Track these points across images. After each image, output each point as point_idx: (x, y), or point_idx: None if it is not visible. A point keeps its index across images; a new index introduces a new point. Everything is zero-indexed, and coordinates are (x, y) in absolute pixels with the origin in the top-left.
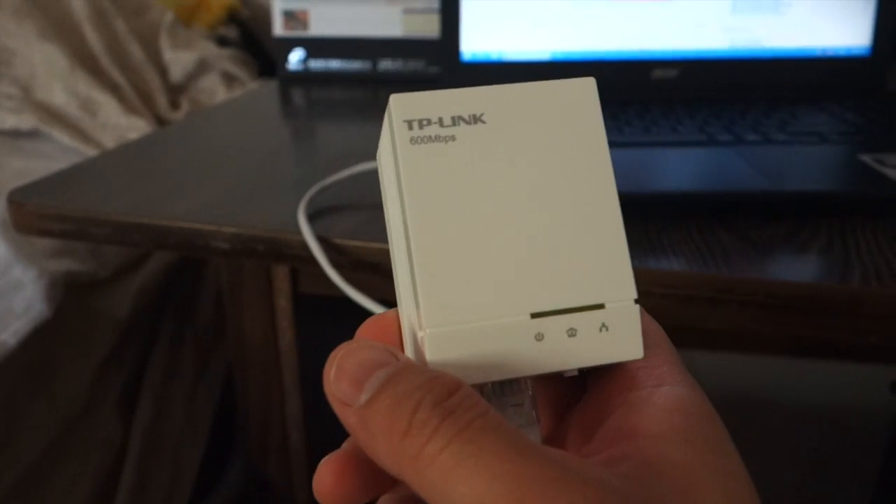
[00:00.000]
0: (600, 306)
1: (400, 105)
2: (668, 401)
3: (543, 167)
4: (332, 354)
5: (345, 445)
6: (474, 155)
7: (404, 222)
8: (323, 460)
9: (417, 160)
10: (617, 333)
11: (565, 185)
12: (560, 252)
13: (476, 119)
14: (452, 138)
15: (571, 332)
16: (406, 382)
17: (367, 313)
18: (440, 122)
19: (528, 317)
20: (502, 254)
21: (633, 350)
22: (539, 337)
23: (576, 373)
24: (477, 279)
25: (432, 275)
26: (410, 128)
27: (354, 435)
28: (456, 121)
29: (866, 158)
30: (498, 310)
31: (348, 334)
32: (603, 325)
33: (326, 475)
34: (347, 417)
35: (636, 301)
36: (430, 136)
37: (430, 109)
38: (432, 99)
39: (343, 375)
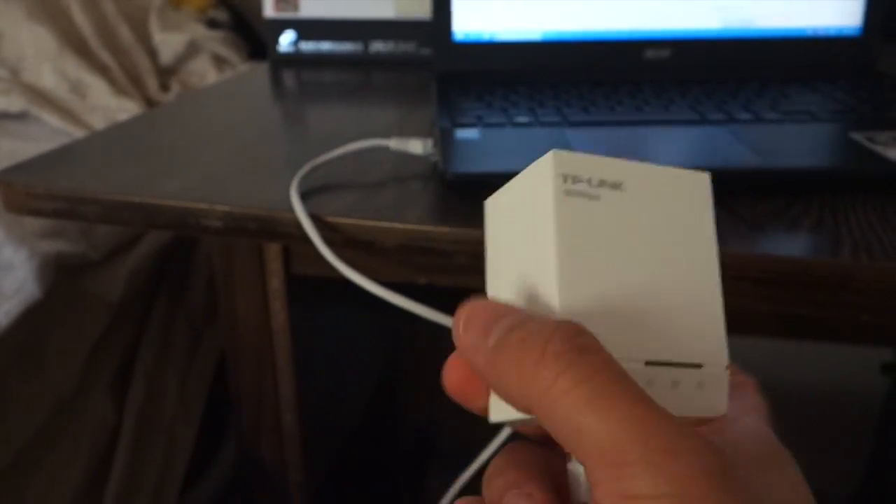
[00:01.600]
0: (699, 366)
1: (560, 161)
2: (744, 426)
3: (666, 238)
4: (459, 310)
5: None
6: (613, 215)
7: (547, 262)
8: (450, 357)
9: (568, 209)
10: (709, 392)
11: (680, 258)
12: (674, 313)
13: (617, 186)
14: (598, 197)
15: (675, 384)
16: (534, 323)
17: (360, 291)
18: (589, 182)
19: (643, 364)
20: (629, 302)
21: (720, 408)
22: (649, 384)
23: None
24: (605, 320)
25: (570, 305)
26: (565, 181)
27: (484, 377)
28: (602, 183)
29: (857, 136)
30: (621, 352)
31: (341, 315)
32: (700, 382)
33: (452, 372)
34: (478, 361)
35: (727, 367)
36: (580, 192)
37: (584, 169)
38: (588, 161)
39: (472, 324)
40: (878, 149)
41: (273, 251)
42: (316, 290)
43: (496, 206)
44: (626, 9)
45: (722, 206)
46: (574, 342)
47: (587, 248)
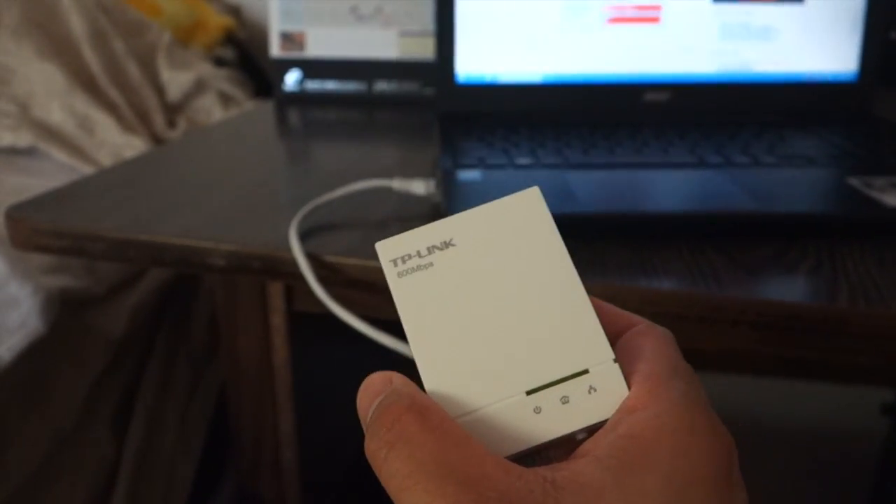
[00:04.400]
0: (585, 372)
1: (384, 249)
2: (626, 427)
3: (513, 270)
4: (363, 382)
5: None
6: (451, 273)
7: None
8: None
9: (406, 289)
10: (604, 391)
11: (533, 280)
12: (541, 335)
13: (447, 244)
14: (431, 264)
15: (565, 400)
16: (376, 410)
17: (356, 332)
18: (418, 254)
19: (524, 395)
20: (492, 348)
21: (617, 402)
22: (537, 410)
23: (585, 435)
24: (475, 373)
25: (438, 380)
26: (395, 265)
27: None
28: (431, 250)
29: (854, 181)
30: (497, 395)
31: (342, 352)
32: (591, 387)
33: None
34: (365, 436)
35: (615, 360)
36: (412, 268)
37: (408, 246)
38: (409, 238)
39: (361, 403)
40: (875, 194)
41: (275, 288)
42: (317, 327)
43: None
44: (625, 53)
45: (719, 250)
46: (395, 429)
47: (436, 319)
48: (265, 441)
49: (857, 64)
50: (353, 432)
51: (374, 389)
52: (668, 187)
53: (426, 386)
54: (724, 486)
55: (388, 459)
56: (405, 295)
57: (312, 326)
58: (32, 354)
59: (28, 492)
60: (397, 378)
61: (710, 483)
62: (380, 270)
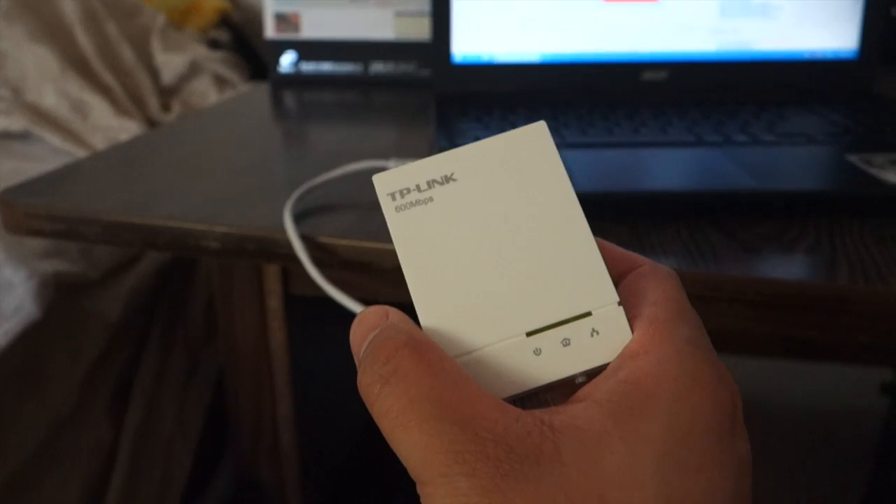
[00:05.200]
0: (588, 314)
1: (382, 182)
2: (627, 373)
3: (515, 207)
4: (357, 316)
5: None
6: (452, 209)
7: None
8: None
9: (404, 225)
10: (607, 334)
11: (537, 219)
12: (543, 275)
13: (448, 179)
14: (431, 199)
15: (566, 342)
16: (371, 345)
17: (353, 315)
18: (417, 188)
19: (524, 336)
20: (492, 287)
21: (620, 346)
22: (537, 352)
23: (584, 379)
24: (474, 313)
25: (435, 319)
26: (394, 199)
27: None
28: (431, 184)
29: (854, 159)
30: (496, 335)
31: (339, 335)
32: (593, 329)
33: None
34: (358, 369)
35: (619, 303)
36: (411, 202)
37: (407, 180)
38: (408, 171)
39: (354, 338)
40: (875, 171)
41: (272, 271)
42: (314, 310)
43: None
44: (623, 31)
45: (718, 229)
46: (391, 364)
47: (435, 256)
48: (263, 425)
49: (858, 41)
50: (352, 415)
51: (369, 323)
52: (667, 166)
53: (423, 323)
54: (726, 435)
55: (381, 395)
56: (403, 230)
57: (310, 310)
58: (28, 340)
59: (26, 477)
60: (394, 313)
61: (712, 431)
62: (375, 251)
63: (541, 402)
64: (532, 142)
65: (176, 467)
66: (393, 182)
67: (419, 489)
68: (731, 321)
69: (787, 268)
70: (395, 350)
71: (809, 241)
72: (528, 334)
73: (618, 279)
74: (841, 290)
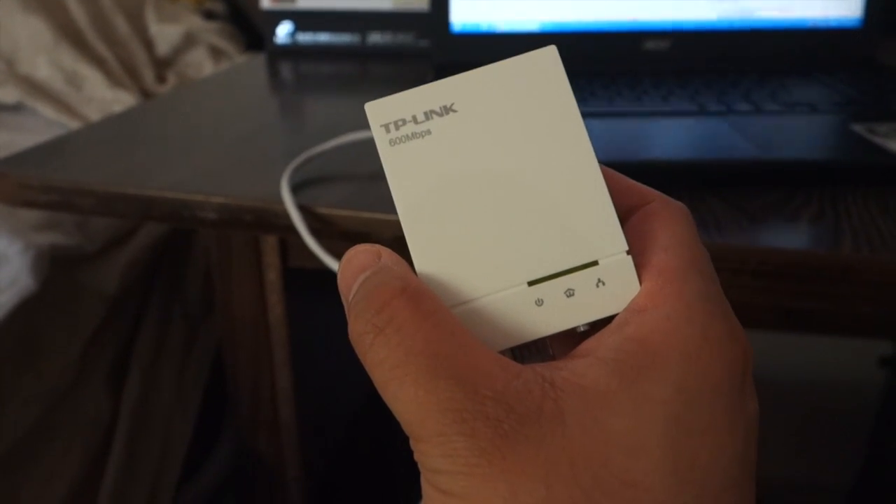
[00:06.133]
0: (594, 263)
1: (374, 111)
2: (634, 329)
3: (520, 143)
4: (346, 253)
5: None
6: (451, 144)
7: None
8: None
9: (399, 160)
10: (614, 285)
11: (544, 156)
12: (548, 220)
13: (447, 110)
14: (428, 132)
15: (570, 293)
16: (362, 289)
17: None
18: (414, 119)
19: (526, 285)
20: (493, 231)
21: (627, 297)
22: (539, 302)
23: (586, 327)
24: (473, 260)
25: (431, 264)
26: (388, 131)
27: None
28: (429, 115)
29: (858, 128)
30: (496, 284)
31: (338, 308)
32: (599, 280)
33: None
34: (347, 311)
35: (628, 252)
36: (407, 135)
37: (402, 110)
38: (403, 99)
39: (342, 278)
40: (879, 140)
41: (269, 244)
42: (313, 283)
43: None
44: (625, 0)
45: (722, 198)
46: (373, 323)
47: (432, 195)
48: (262, 398)
49: (862, 10)
50: (351, 388)
51: (360, 263)
52: (669, 136)
53: (418, 269)
54: (735, 395)
55: (374, 345)
56: (397, 166)
57: (308, 282)
58: (24, 313)
59: (24, 451)
60: (386, 254)
61: (721, 393)
62: (374, 221)
63: (539, 350)
64: (540, 69)
65: (175, 440)
66: (387, 111)
67: (413, 445)
68: (733, 293)
69: (790, 237)
70: (389, 298)
71: (813, 211)
72: (530, 283)
73: (625, 215)
74: (845, 259)
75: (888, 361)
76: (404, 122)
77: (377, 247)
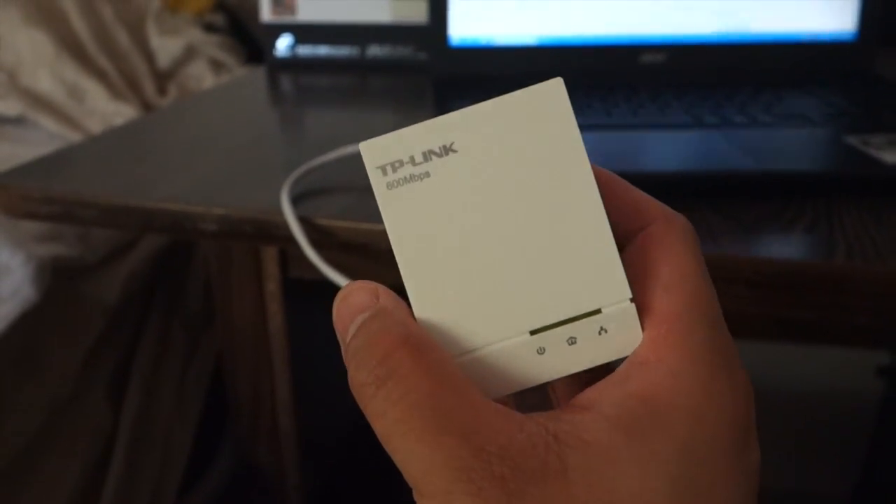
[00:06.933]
0: (597, 311)
1: (370, 152)
2: (637, 384)
3: (523, 186)
4: (338, 293)
5: None
6: (451, 187)
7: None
8: None
9: (397, 205)
10: (616, 333)
11: (547, 200)
12: (551, 266)
13: (447, 150)
14: (427, 175)
15: (571, 341)
16: (362, 334)
17: None
18: (412, 160)
19: (528, 335)
20: (495, 278)
21: (629, 346)
22: (541, 351)
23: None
24: (474, 308)
25: (431, 312)
26: (384, 173)
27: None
28: (427, 156)
29: (852, 140)
30: (498, 333)
31: None
32: (602, 328)
33: None
34: (343, 353)
35: (631, 300)
36: (405, 178)
37: (399, 150)
38: (400, 138)
39: (338, 316)
40: (873, 152)
41: (269, 254)
42: (313, 293)
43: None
44: (621, 13)
45: (717, 209)
46: (387, 364)
47: (431, 241)
48: (262, 408)
49: (857, 23)
50: (351, 398)
51: (357, 303)
52: (665, 147)
53: (418, 317)
54: (739, 450)
55: (376, 398)
56: (395, 211)
57: (308, 293)
58: (26, 324)
59: (25, 460)
60: (384, 294)
61: (726, 452)
62: (373, 232)
63: (538, 387)
64: (545, 104)
65: (175, 451)
66: (383, 152)
67: (416, 498)
68: (728, 303)
69: (785, 248)
70: (392, 348)
71: (807, 222)
72: (532, 332)
73: (625, 239)
74: (839, 270)
75: (886, 371)
76: (402, 163)
77: (374, 285)
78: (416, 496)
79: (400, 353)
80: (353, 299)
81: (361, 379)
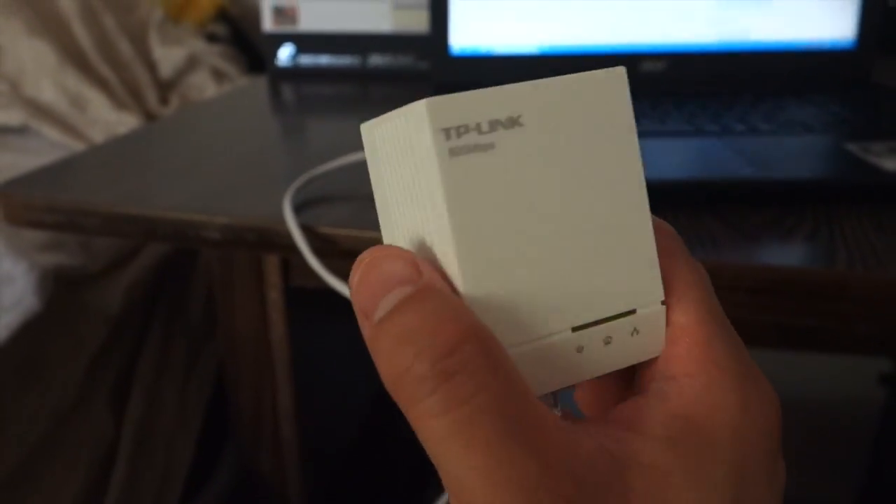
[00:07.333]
0: (632, 312)
1: (435, 111)
2: (675, 403)
3: (578, 174)
4: (360, 258)
5: None
6: (513, 164)
7: (443, 240)
8: None
9: (459, 174)
10: (645, 335)
11: (599, 191)
12: (595, 260)
13: (514, 122)
14: (492, 146)
15: (608, 340)
16: (415, 314)
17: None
18: (478, 128)
19: (570, 331)
20: (544, 268)
21: (656, 349)
22: (580, 349)
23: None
24: (525, 298)
25: (481, 297)
26: (448, 137)
27: (368, 346)
28: (494, 125)
29: (852, 147)
30: (544, 328)
31: (339, 327)
32: (634, 329)
33: None
34: (363, 328)
35: (663, 302)
36: (469, 146)
37: (467, 114)
38: (468, 101)
39: (365, 286)
40: (873, 159)
41: (272, 263)
42: (315, 302)
43: (376, 139)
44: (621, 22)
45: (718, 217)
46: (443, 366)
47: (489, 218)
48: (264, 417)
49: (856, 31)
50: (353, 406)
51: (393, 273)
52: (666, 156)
53: (464, 291)
54: (773, 462)
55: (436, 394)
56: (456, 180)
57: (310, 301)
58: (28, 332)
59: (27, 470)
60: (427, 268)
61: (765, 465)
62: (376, 241)
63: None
64: (606, 92)
65: (177, 459)
66: (450, 114)
67: None
68: (730, 309)
69: (785, 255)
70: (462, 337)
71: (808, 229)
72: (574, 329)
73: None
74: (839, 277)
75: (888, 379)
76: (467, 129)
77: (409, 253)
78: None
79: (471, 345)
80: (388, 267)
81: (419, 370)
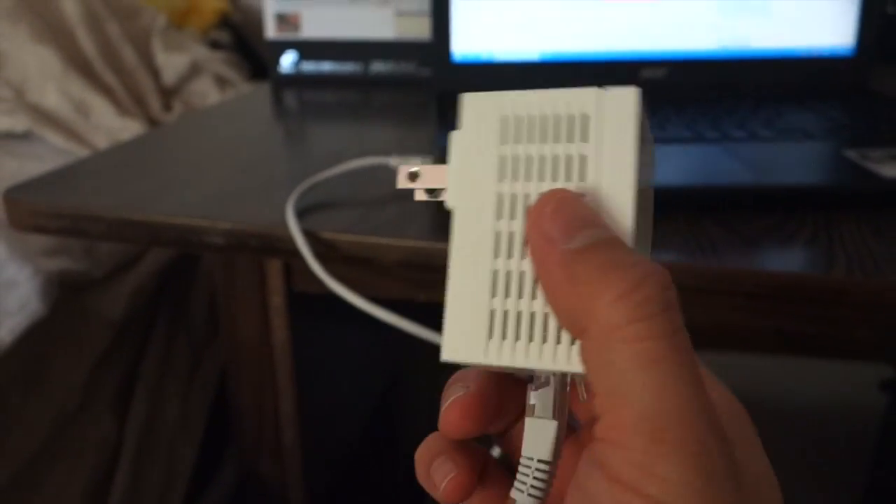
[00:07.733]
0: None
1: (640, 99)
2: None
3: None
4: (550, 194)
5: (472, 387)
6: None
7: (619, 206)
8: (452, 399)
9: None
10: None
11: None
12: None
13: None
14: (652, 141)
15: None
16: (615, 251)
17: (355, 312)
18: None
19: None
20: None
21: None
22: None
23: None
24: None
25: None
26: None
27: (544, 271)
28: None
29: (851, 153)
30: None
31: (342, 332)
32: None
33: (454, 411)
34: (549, 253)
35: None
36: (646, 134)
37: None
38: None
39: (560, 215)
40: (872, 166)
41: (274, 268)
42: (317, 307)
43: (492, 111)
44: (621, 29)
45: (717, 222)
46: (666, 294)
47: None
48: (266, 421)
49: (855, 38)
50: (355, 412)
51: (588, 216)
52: (666, 162)
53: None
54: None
55: (661, 315)
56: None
57: (312, 307)
58: (32, 337)
59: (30, 474)
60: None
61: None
62: (378, 246)
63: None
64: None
65: (179, 463)
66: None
67: (635, 440)
68: (729, 315)
69: (785, 261)
70: (670, 282)
71: (807, 235)
72: None
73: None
74: (838, 282)
75: (889, 385)
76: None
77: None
78: (628, 429)
79: (673, 291)
80: (582, 209)
81: (647, 292)
